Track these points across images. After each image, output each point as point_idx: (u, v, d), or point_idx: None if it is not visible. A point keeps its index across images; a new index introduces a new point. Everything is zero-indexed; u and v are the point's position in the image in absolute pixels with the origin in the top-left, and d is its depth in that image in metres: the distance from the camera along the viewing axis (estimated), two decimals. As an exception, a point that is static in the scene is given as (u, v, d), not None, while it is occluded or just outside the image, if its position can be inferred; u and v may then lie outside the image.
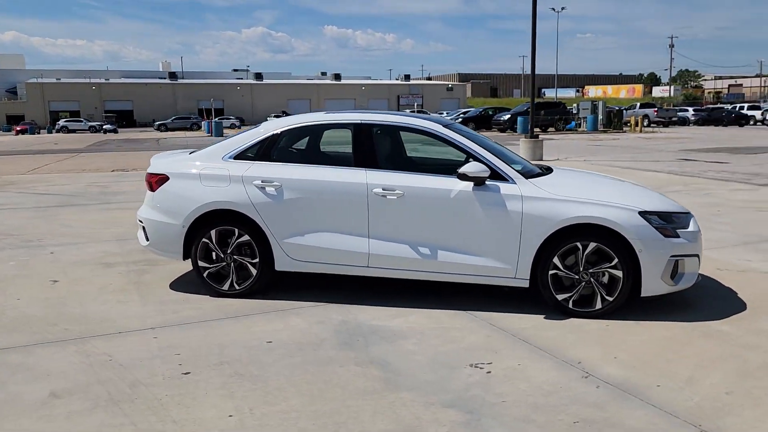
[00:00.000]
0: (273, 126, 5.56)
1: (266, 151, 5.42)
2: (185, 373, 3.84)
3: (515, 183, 4.92)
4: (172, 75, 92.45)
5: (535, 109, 37.53)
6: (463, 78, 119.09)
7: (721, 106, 56.62)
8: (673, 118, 47.44)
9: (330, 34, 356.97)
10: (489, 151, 5.11)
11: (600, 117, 37.00)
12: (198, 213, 5.29)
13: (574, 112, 39.73)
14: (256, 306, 5.11)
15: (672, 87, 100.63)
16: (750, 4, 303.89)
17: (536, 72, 20.24)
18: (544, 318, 4.80)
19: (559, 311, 4.86)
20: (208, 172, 5.38)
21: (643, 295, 4.77)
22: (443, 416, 3.31)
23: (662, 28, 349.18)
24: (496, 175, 4.94)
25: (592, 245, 4.74)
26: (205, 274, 5.37)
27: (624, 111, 41.54)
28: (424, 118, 5.62)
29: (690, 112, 50.35)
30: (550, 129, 37.86)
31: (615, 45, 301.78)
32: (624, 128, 39.22)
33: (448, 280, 5.09)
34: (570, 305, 4.83)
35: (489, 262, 4.92)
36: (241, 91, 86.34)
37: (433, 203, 4.99)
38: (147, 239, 5.60)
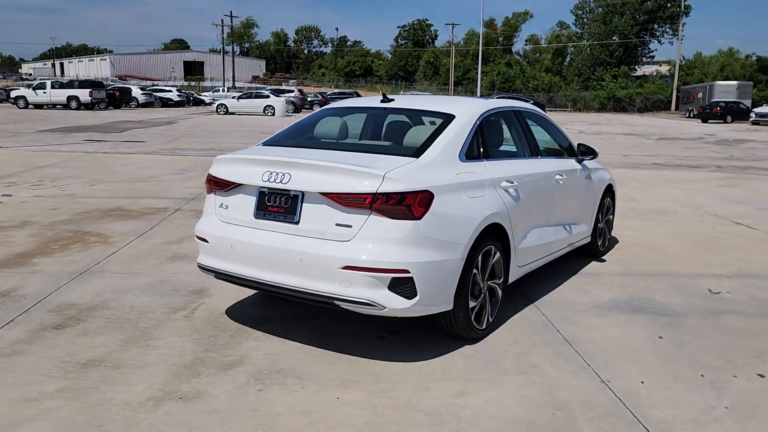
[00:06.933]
0: (472, 113, 4.28)
1: (483, 144, 4.26)
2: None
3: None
4: None
5: None
6: None
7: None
8: None
9: None
10: (562, 136, 5.77)
11: None
12: (476, 236, 3.78)
13: None
14: (512, 336, 4.25)
15: None
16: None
17: None
18: (597, 262, 6.05)
19: (594, 257, 6.15)
20: (465, 179, 3.86)
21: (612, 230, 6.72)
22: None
23: None
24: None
25: (607, 200, 6.31)
26: (473, 317, 3.91)
27: None
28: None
29: None
30: None
31: None
32: None
33: (566, 252, 5.52)
34: (601, 249, 6.26)
35: (583, 227, 5.74)
36: None
37: (573, 183, 5.36)
38: (413, 296, 3.45)
